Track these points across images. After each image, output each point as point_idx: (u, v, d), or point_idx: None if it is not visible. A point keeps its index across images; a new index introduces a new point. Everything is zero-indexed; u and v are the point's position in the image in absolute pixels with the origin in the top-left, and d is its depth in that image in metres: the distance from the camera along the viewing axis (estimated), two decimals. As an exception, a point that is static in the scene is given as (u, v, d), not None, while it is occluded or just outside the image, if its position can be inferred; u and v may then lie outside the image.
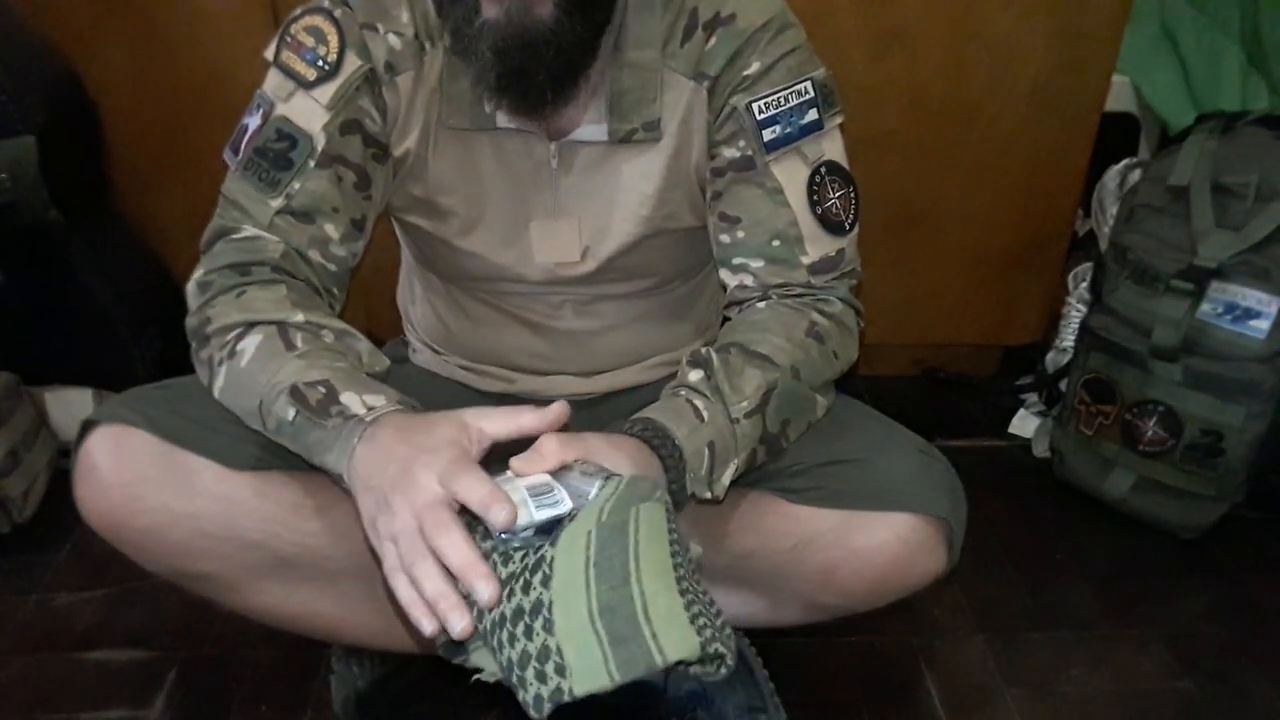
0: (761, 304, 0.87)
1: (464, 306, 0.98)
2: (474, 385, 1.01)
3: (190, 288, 0.82)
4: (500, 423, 0.68)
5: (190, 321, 0.81)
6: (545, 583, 0.59)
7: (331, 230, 0.83)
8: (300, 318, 0.77)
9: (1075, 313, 1.58)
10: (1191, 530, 1.36)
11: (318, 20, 0.82)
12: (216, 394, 0.78)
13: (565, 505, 0.62)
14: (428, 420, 0.69)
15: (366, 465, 0.67)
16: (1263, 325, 1.23)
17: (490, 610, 0.61)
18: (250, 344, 0.76)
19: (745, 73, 0.84)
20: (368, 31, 0.82)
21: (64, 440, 1.42)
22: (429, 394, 1.00)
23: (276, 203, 0.81)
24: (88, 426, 0.79)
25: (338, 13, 0.82)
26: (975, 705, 1.10)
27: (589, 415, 1.01)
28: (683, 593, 0.60)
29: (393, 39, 0.83)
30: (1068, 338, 1.58)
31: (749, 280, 0.87)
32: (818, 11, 1.32)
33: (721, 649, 0.60)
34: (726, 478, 0.77)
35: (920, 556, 0.83)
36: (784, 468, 0.84)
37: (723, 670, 0.61)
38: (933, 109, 1.47)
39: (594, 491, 0.62)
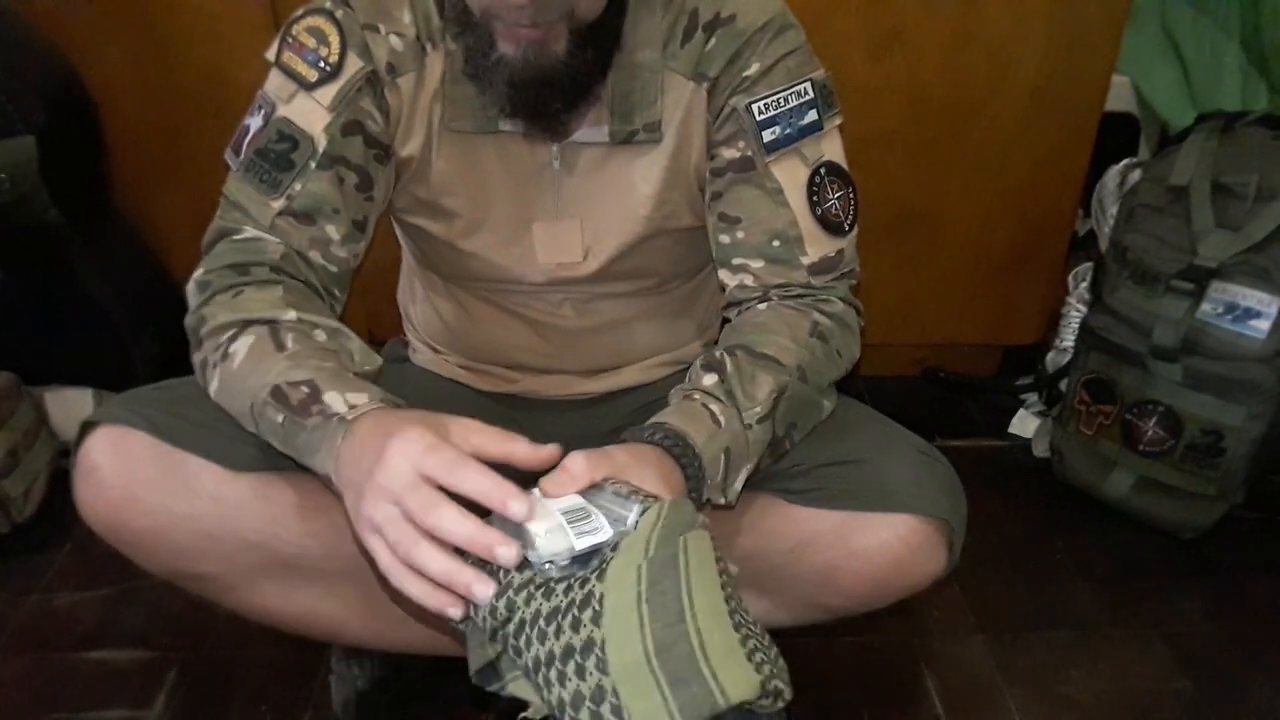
0: (762, 305, 0.87)
1: (465, 306, 0.98)
2: (474, 385, 1.01)
3: (190, 287, 0.82)
4: (489, 440, 0.64)
5: (188, 321, 0.81)
6: (596, 620, 0.57)
7: (332, 231, 0.83)
8: (293, 316, 0.77)
9: (1075, 313, 1.58)
10: (1191, 530, 1.36)
11: (319, 21, 0.82)
12: (212, 395, 0.78)
13: (605, 533, 0.60)
14: (409, 414, 0.67)
15: (347, 463, 0.66)
16: (1263, 325, 1.23)
17: (520, 624, 0.59)
18: (242, 345, 0.76)
19: (745, 74, 0.84)
20: (369, 32, 0.82)
21: (64, 440, 1.42)
22: (429, 394, 1.00)
23: (277, 204, 0.81)
24: (87, 427, 0.79)
25: (339, 13, 0.82)
26: (975, 705, 1.10)
27: (590, 414, 1.01)
28: (737, 626, 0.58)
29: (394, 40, 0.83)
30: (1068, 338, 1.58)
31: (749, 280, 0.87)
32: (817, 12, 1.32)
33: (780, 684, 0.58)
34: (739, 484, 0.77)
35: (921, 557, 0.83)
36: (785, 469, 0.84)
37: (779, 704, 0.59)
38: (933, 109, 1.46)
39: (632, 517, 0.60)
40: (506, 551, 0.57)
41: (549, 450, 0.64)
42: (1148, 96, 1.78)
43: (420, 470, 0.60)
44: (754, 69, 0.84)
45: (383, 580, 0.62)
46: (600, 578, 0.58)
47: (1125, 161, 1.56)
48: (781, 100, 0.84)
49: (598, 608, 0.57)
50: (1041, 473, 1.51)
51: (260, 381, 0.73)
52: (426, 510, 0.59)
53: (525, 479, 0.67)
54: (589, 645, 0.57)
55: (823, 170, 0.86)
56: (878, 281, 1.45)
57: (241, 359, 0.75)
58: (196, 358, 0.80)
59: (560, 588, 0.59)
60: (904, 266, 1.58)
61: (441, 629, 0.88)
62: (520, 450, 0.63)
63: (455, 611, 0.59)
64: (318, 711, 1.06)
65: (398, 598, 0.74)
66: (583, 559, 0.60)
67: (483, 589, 0.58)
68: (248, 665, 1.12)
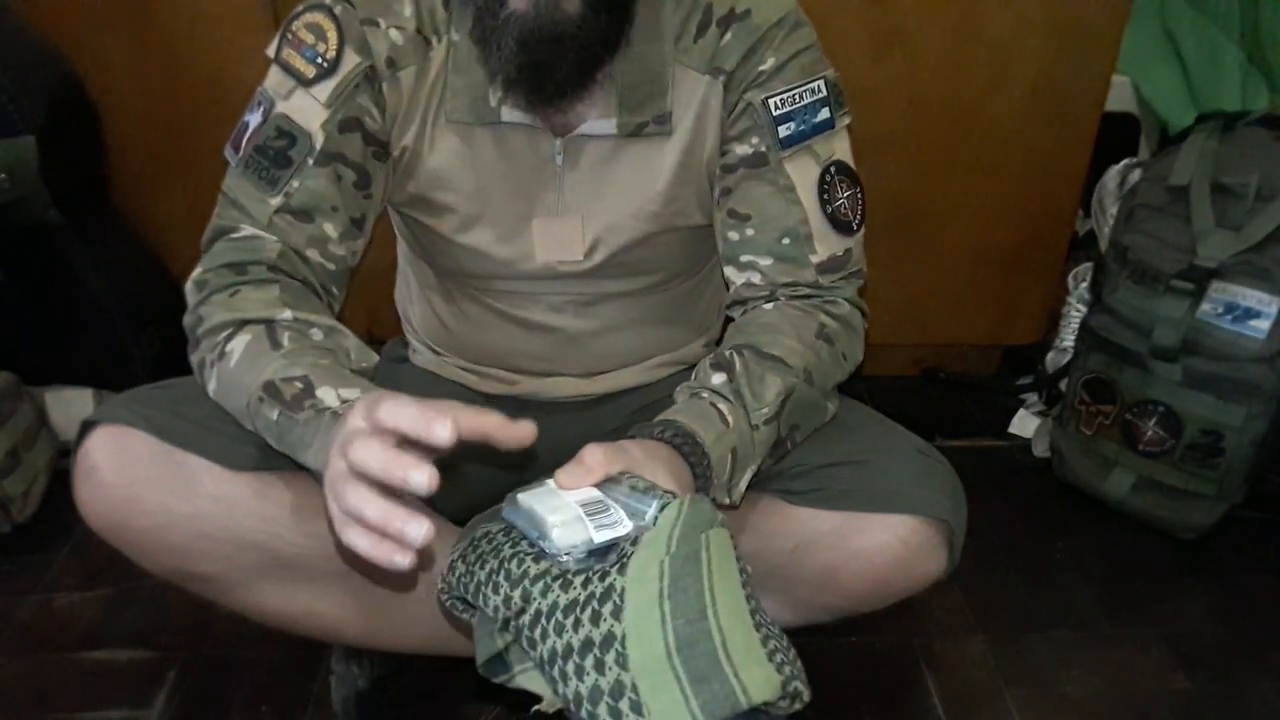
0: (769, 305, 0.87)
1: (462, 309, 0.98)
2: (474, 387, 1.01)
3: (188, 286, 0.82)
4: (465, 415, 0.61)
5: (186, 320, 0.81)
6: (616, 614, 0.57)
7: (330, 229, 0.83)
8: (289, 315, 0.77)
9: (1075, 313, 1.59)
10: (1191, 530, 1.36)
11: (318, 17, 0.82)
12: (211, 395, 0.78)
13: (625, 526, 0.60)
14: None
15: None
16: (1263, 325, 1.23)
17: (535, 615, 0.59)
18: (239, 344, 0.76)
19: (760, 68, 0.84)
20: (368, 27, 0.82)
21: (64, 440, 1.42)
22: (430, 395, 0.99)
23: (276, 201, 0.81)
24: (87, 427, 0.79)
25: (338, 9, 0.82)
26: (975, 705, 1.10)
27: (590, 415, 1.01)
28: (757, 626, 0.58)
29: (394, 34, 0.83)
30: (1068, 338, 1.58)
31: (756, 279, 0.87)
32: (818, 12, 1.31)
33: (799, 685, 0.58)
34: (743, 484, 0.77)
35: (921, 558, 0.83)
36: (785, 469, 0.84)
37: (797, 705, 0.58)
38: (933, 109, 1.46)
39: (651, 512, 0.60)
40: (419, 476, 0.55)
41: (524, 427, 0.62)
42: (1148, 96, 1.78)
43: (368, 420, 0.59)
44: (769, 63, 0.84)
45: (339, 544, 0.61)
46: (621, 572, 0.58)
47: (1125, 161, 1.57)
48: (796, 96, 0.84)
49: (619, 602, 0.57)
50: (1041, 473, 1.51)
51: (256, 379, 0.73)
52: (355, 449, 0.58)
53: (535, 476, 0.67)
54: (609, 639, 0.56)
55: (833, 169, 0.86)
56: (878, 281, 1.44)
57: (238, 357, 0.75)
58: (194, 357, 0.80)
59: (578, 580, 0.59)
60: (904, 266, 1.58)
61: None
62: (493, 423, 0.61)
63: (401, 560, 0.57)
64: (318, 711, 1.06)
65: (352, 559, 0.73)
66: (600, 552, 0.59)
67: (415, 529, 0.56)
68: (248, 665, 1.12)
